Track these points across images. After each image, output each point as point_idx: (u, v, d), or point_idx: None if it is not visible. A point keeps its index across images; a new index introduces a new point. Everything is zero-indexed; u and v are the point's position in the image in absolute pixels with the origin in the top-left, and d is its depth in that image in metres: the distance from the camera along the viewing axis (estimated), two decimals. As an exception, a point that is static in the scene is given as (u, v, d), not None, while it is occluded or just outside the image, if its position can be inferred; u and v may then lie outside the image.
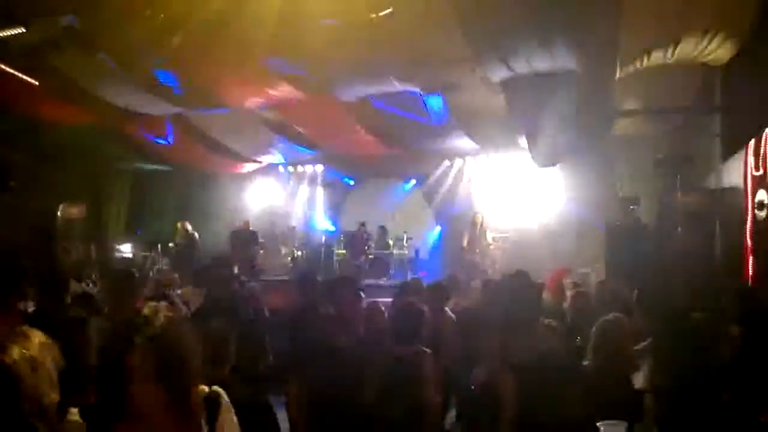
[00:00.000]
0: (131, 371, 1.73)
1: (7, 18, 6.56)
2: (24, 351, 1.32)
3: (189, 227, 12.20)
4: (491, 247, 11.51)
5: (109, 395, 1.78)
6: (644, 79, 7.57)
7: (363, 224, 12.80)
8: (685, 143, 9.02)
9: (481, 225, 11.54)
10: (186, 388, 1.85)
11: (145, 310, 1.80)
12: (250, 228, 12.65)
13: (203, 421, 1.91)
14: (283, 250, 13.19)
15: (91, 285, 7.79)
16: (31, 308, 3.60)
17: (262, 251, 12.58)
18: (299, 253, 13.04)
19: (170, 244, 12.12)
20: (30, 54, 7.36)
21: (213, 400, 1.98)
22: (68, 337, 2.73)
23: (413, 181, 13.95)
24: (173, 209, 13.78)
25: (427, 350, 3.68)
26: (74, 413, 1.83)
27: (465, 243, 11.53)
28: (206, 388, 1.99)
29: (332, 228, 13.72)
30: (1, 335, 1.33)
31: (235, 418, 2.04)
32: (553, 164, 11.53)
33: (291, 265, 12.71)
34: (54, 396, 1.36)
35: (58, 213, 11.14)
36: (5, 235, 9.74)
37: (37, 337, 1.40)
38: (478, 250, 11.43)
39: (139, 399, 1.74)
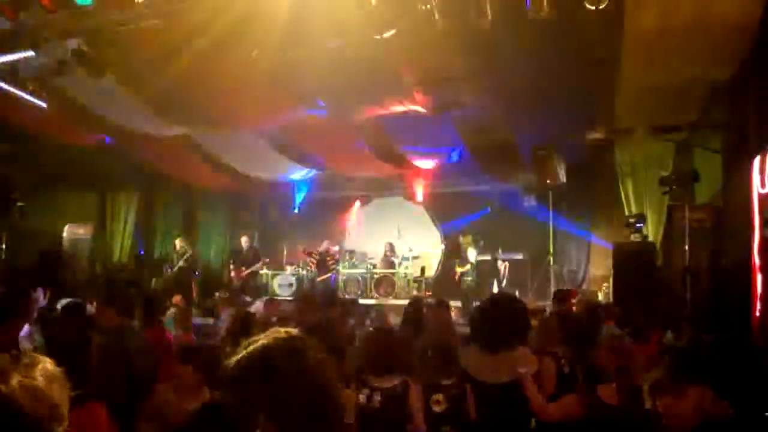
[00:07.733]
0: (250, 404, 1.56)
1: (17, 42, 6.64)
2: (25, 379, 1.28)
3: (185, 244, 11.85)
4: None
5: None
6: (648, 96, 7.58)
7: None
8: (690, 160, 9.00)
9: None
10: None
11: (263, 338, 1.66)
12: (252, 245, 12.94)
13: None
14: (288, 270, 13.19)
15: None
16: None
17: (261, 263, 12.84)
18: (303, 272, 13.00)
19: (167, 268, 11.81)
20: (39, 77, 7.45)
21: None
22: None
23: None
24: (178, 228, 13.76)
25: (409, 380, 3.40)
26: None
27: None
28: None
29: (335, 247, 13.66)
30: (1, 362, 1.29)
31: None
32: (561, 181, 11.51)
33: (293, 285, 12.70)
34: (58, 428, 1.30)
35: (64, 234, 11.15)
36: (12, 256, 9.78)
37: (42, 364, 1.35)
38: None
39: None
